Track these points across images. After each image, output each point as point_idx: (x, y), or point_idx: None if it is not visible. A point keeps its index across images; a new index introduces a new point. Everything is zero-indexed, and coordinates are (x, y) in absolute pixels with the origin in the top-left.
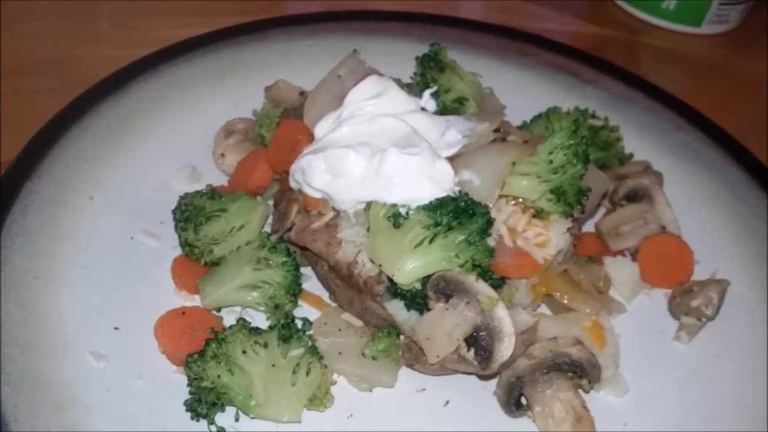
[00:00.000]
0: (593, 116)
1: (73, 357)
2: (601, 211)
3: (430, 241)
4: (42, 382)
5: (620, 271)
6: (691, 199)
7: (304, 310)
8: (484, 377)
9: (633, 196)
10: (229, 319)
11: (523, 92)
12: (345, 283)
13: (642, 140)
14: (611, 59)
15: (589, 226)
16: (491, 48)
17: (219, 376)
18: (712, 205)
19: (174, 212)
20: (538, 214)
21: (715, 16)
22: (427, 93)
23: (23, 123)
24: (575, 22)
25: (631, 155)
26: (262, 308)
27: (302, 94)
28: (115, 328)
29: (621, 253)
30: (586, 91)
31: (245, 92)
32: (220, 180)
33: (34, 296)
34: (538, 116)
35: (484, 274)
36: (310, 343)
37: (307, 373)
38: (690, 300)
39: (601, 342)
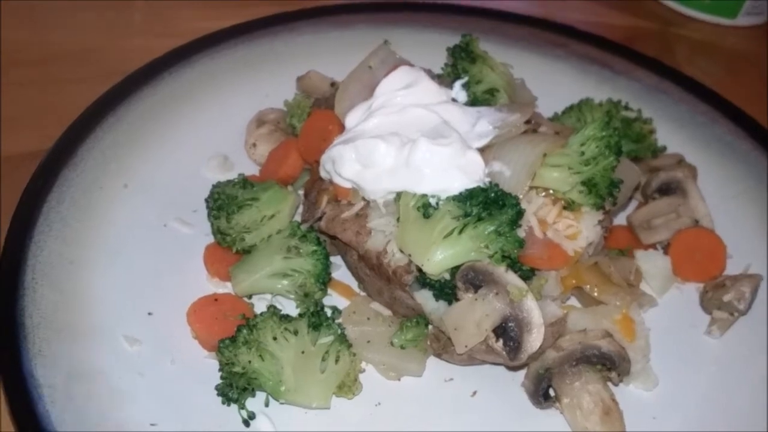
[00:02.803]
0: (626, 108)
1: (107, 341)
2: (633, 203)
3: (460, 232)
4: (77, 364)
5: (651, 264)
6: (724, 192)
7: (333, 299)
8: (512, 368)
9: (666, 189)
10: (259, 306)
11: (555, 84)
12: (374, 273)
13: (675, 133)
14: (645, 51)
15: (620, 219)
16: (523, 39)
17: (250, 362)
18: (746, 198)
19: (207, 201)
20: (569, 206)
21: (751, 7)
22: (458, 84)
23: (56, 113)
24: (609, 14)
25: (664, 148)
26: (292, 296)
27: (333, 84)
28: (149, 314)
29: (653, 246)
30: (619, 82)
31: (277, 83)
32: (251, 169)
33: (70, 281)
34: (570, 108)
35: (514, 265)
36: (339, 331)
37: (336, 361)
38: (722, 294)
39: (632, 335)
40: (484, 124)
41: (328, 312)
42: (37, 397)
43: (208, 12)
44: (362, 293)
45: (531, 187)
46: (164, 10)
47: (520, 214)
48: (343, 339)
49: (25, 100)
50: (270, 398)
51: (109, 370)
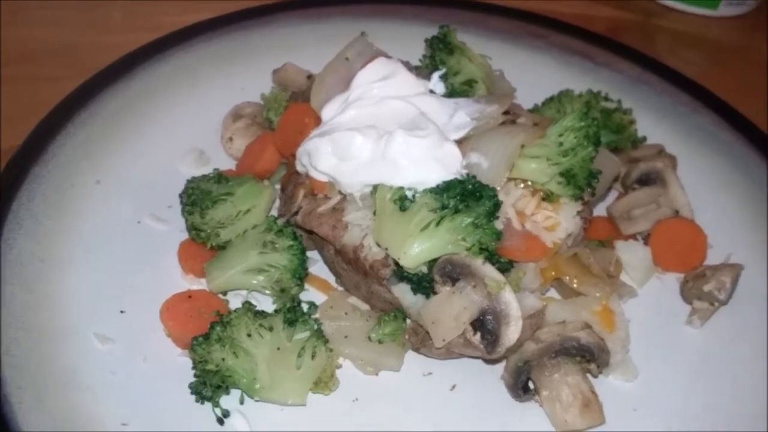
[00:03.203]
0: (606, 99)
1: (78, 340)
2: (613, 194)
3: (437, 224)
4: (47, 364)
5: (632, 255)
6: (705, 182)
7: (310, 294)
8: (491, 361)
9: (645, 180)
10: (235, 302)
11: (535, 75)
12: (351, 267)
13: (657, 123)
14: (627, 42)
15: (600, 210)
16: (504, 31)
17: (223, 359)
18: (727, 188)
19: (181, 196)
20: (548, 197)
21: None
22: (435, 75)
23: (31, 109)
24: (590, 5)
25: (644, 138)
26: (268, 292)
27: (310, 77)
28: (121, 312)
29: (633, 237)
30: (601, 74)
31: (253, 76)
32: (227, 164)
33: (41, 279)
34: (550, 99)
35: (492, 257)
36: (315, 327)
37: (313, 357)
38: (703, 284)
39: (611, 326)
40: (461, 115)
41: (305, 307)
42: (4, 399)
43: (185, 6)
44: (340, 288)
45: (509, 179)
46: (142, 5)
47: (497, 205)
48: (319, 334)
49: (3, 98)
50: (245, 396)
51: (80, 370)
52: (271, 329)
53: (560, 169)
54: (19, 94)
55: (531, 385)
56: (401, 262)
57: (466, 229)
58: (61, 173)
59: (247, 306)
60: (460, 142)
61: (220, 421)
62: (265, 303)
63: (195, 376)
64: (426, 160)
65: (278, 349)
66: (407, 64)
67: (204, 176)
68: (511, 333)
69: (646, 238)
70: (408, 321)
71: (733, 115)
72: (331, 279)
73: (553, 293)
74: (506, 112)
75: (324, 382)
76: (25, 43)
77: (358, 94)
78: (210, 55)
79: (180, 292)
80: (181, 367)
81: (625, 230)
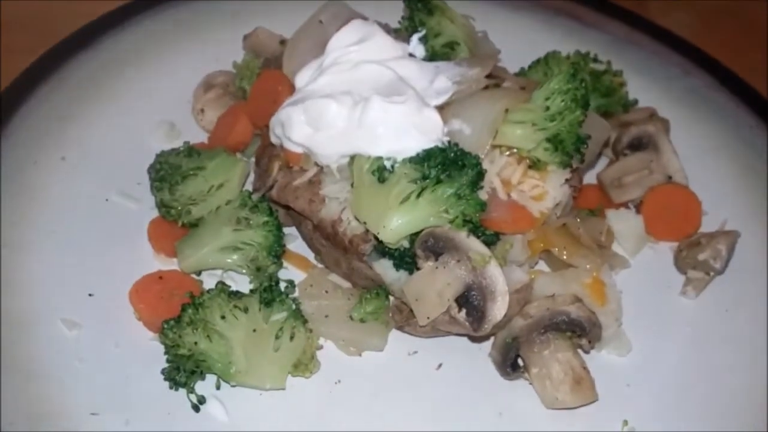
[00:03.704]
0: (595, 60)
1: (43, 326)
2: (604, 161)
3: (418, 196)
4: (11, 353)
5: (624, 223)
6: (699, 146)
7: (289, 272)
8: (478, 339)
9: (637, 145)
10: (210, 283)
11: (520, 37)
12: (330, 243)
13: (648, 86)
14: (616, 2)
15: (591, 178)
16: None
17: (196, 343)
18: (722, 152)
19: (149, 171)
20: (535, 165)
21: None
22: (415, 38)
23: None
24: None
25: (635, 101)
26: (243, 271)
27: (283, 42)
28: (89, 295)
29: (624, 205)
30: (589, 35)
31: (226, 44)
32: (200, 137)
33: (3, 263)
34: (537, 62)
35: (476, 229)
36: (293, 307)
37: (291, 338)
38: (697, 253)
39: (603, 299)
40: (442, 79)
41: (283, 286)
42: None
43: None
44: (319, 265)
45: (494, 146)
46: None
47: (480, 174)
48: (297, 314)
49: None
50: (221, 381)
51: (47, 357)
52: (246, 310)
53: (547, 135)
54: None
55: (520, 362)
56: (381, 237)
57: (448, 200)
58: (24, 150)
59: (221, 286)
60: (441, 108)
61: (196, 408)
62: (243, 283)
63: (167, 361)
64: (405, 128)
65: (254, 331)
66: (386, 27)
67: (173, 150)
68: (498, 309)
69: (639, 206)
70: (391, 298)
71: (727, 77)
72: (310, 256)
73: (541, 266)
74: (490, 76)
75: (304, 365)
76: None
77: (333, 58)
78: (179, 22)
79: (150, 273)
80: (154, 352)
81: (617, 198)
